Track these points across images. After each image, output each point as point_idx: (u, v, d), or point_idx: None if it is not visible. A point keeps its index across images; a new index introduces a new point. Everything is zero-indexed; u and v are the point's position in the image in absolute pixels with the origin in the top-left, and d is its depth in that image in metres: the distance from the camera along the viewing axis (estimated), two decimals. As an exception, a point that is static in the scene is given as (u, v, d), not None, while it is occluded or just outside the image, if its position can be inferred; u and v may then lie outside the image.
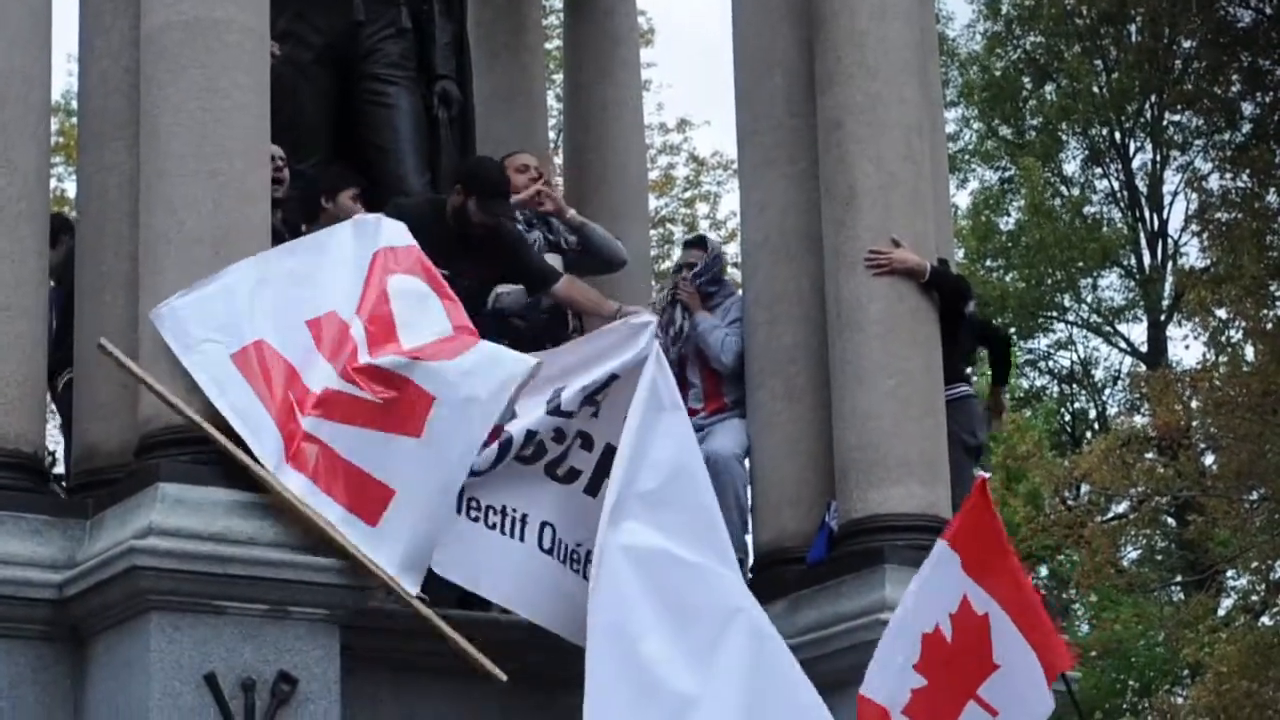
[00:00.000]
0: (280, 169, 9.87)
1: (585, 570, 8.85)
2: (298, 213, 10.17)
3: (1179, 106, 28.61)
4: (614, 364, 8.97)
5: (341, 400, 8.40)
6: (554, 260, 10.67)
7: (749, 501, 10.84)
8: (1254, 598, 25.48)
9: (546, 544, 8.95)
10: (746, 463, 10.88)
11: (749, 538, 10.80)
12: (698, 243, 11.56)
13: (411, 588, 8.30)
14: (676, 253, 11.67)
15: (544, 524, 8.95)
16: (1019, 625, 8.84)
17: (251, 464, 8.18)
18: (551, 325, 10.47)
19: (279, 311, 8.52)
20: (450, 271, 9.36)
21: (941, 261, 10.42)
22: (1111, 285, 31.26)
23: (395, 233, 9.03)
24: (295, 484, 8.20)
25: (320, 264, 8.84)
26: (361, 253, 8.91)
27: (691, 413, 10.64)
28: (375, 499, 8.32)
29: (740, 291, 11.28)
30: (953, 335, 10.38)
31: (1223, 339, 23.82)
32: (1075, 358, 32.16)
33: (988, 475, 9.03)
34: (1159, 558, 27.74)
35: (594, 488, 8.98)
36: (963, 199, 31.69)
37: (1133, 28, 28.85)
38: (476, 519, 8.75)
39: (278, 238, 9.51)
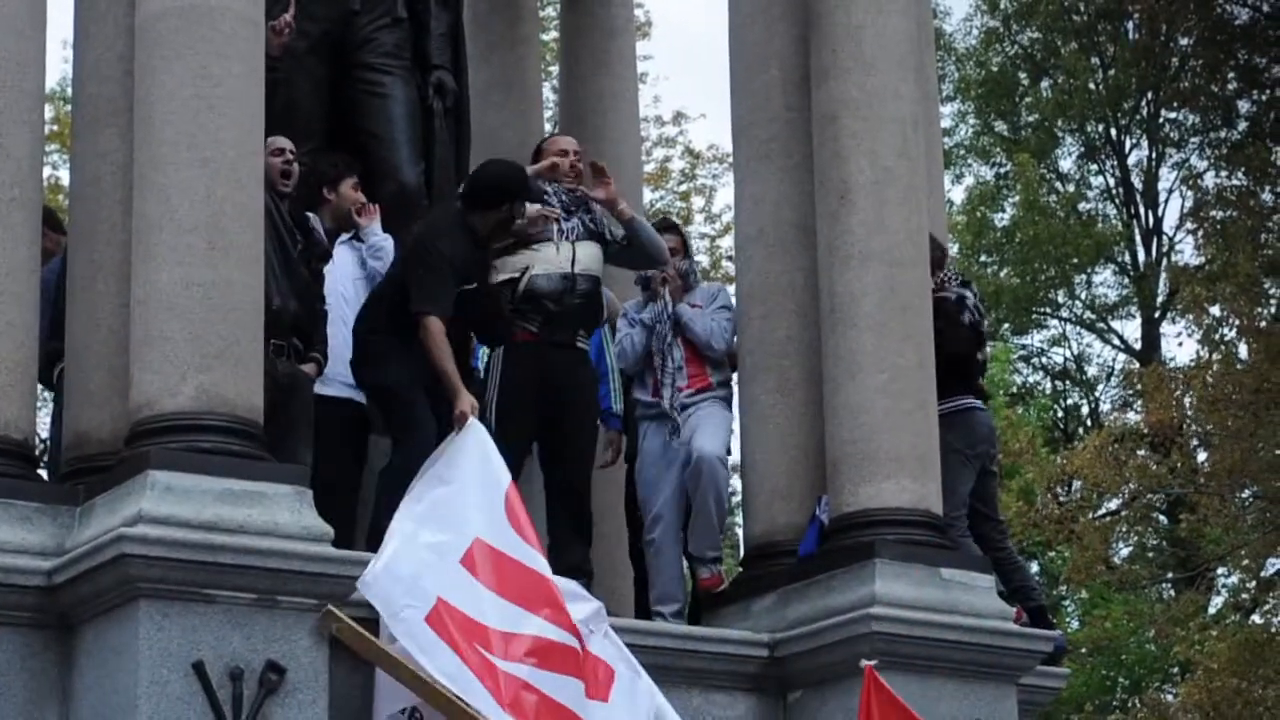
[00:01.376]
0: (290, 161, 9.87)
1: None
2: (298, 203, 10.15)
3: (1175, 104, 28.59)
4: None
5: (556, 649, 8.61)
6: (593, 249, 10.50)
7: (740, 495, 10.85)
8: (1245, 595, 25.51)
9: None
10: (734, 454, 10.91)
11: (739, 531, 10.82)
12: (671, 228, 11.52)
13: None
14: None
15: None
16: None
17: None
18: (585, 311, 10.38)
19: (440, 560, 8.66)
20: (476, 287, 9.73)
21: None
22: (1106, 282, 31.29)
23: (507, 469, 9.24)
24: None
25: (450, 495, 8.95)
26: (489, 474, 9.05)
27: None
28: None
29: (715, 282, 11.27)
30: (946, 347, 10.41)
31: (1216, 336, 23.82)
32: (1069, 354, 32.19)
33: (873, 664, 9.12)
34: (1150, 555, 27.74)
35: None
36: (958, 194, 31.71)
37: (1130, 24, 28.83)
38: None
39: (288, 228, 9.55)
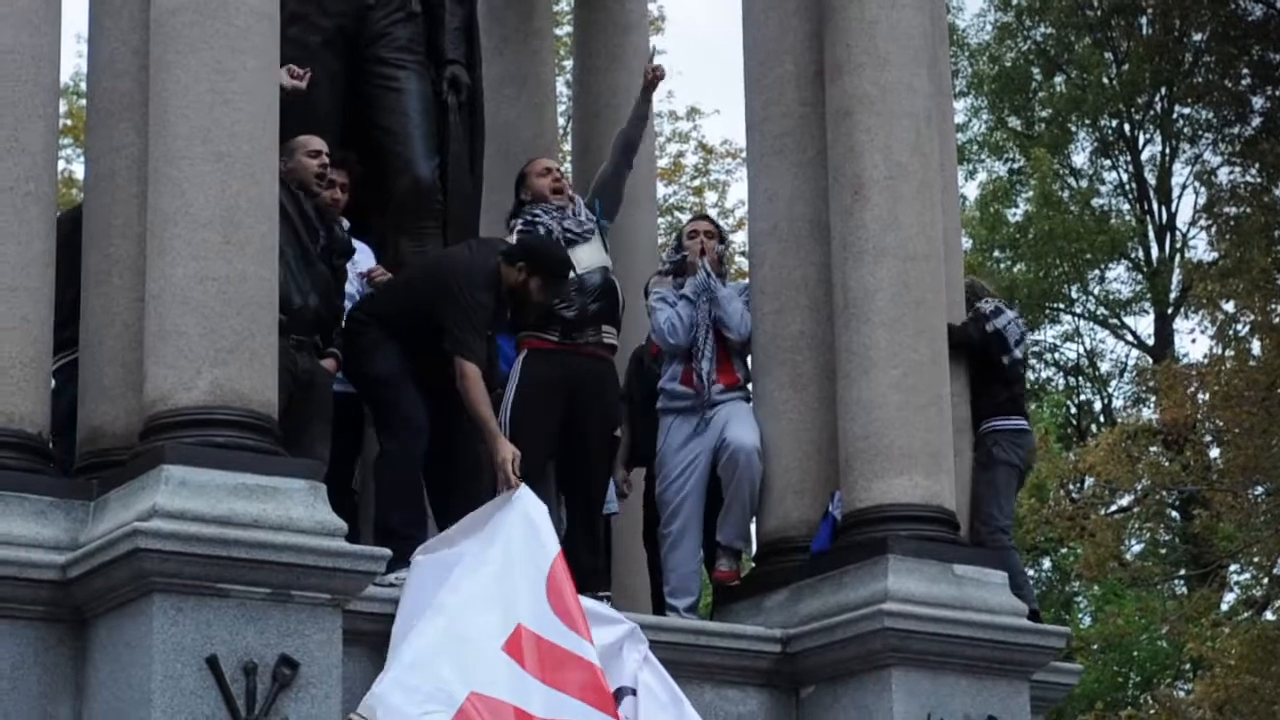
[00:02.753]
0: (326, 165, 9.82)
1: None
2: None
3: (1189, 99, 28.54)
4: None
5: None
6: (588, 248, 10.51)
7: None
8: (1257, 592, 25.49)
9: None
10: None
11: (753, 526, 10.82)
12: (703, 219, 11.57)
13: None
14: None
15: None
16: None
17: None
18: (602, 307, 10.44)
19: (477, 653, 8.55)
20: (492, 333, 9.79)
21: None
22: (1119, 277, 31.27)
23: (556, 536, 9.15)
24: None
25: (492, 576, 8.83)
26: (531, 552, 8.94)
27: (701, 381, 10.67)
28: None
29: (745, 281, 11.28)
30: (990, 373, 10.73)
31: (1230, 333, 23.80)
32: (1082, 350, 32.17)
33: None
34: (1163, 551, 27.73)
35: None
36: (971, 190, 31.69)
37: (1143, 20, 28.79)
38: None
39: (309, 226, 9.54)
